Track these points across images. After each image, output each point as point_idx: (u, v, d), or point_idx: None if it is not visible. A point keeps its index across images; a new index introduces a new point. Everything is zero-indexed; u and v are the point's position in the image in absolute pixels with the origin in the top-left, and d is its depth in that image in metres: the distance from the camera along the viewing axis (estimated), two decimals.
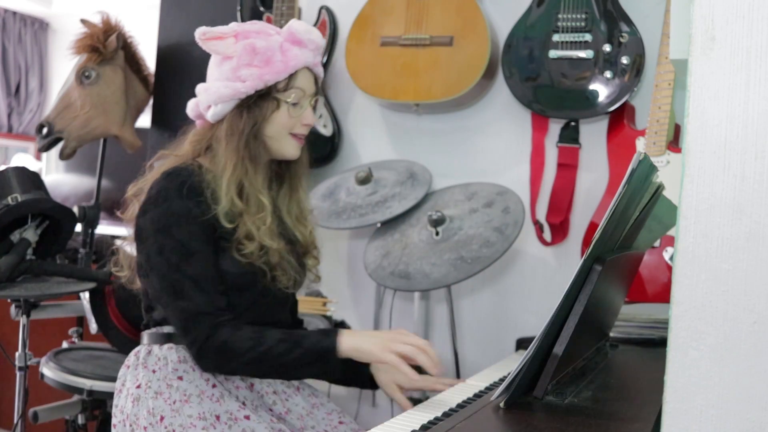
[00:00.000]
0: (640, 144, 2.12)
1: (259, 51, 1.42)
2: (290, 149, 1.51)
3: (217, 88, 1.43)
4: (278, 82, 1.45)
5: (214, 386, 1.40)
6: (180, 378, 1.41)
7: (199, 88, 1.49)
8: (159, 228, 1.38)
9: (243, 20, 2.57)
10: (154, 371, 1.43)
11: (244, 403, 1.41)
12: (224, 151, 1.45)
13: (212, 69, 1.48)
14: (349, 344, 1.34)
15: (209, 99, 1.45)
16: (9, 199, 2.06)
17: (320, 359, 1.34)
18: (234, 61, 1.43)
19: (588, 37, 2.15)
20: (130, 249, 1.51)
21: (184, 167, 1.44)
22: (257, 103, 1.45)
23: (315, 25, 2.57)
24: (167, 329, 1.46)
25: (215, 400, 1.39)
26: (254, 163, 1.47)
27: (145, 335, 1.50)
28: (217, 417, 1.37)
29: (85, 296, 2.26)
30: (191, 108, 1.53)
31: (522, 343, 1.83)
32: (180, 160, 1.48)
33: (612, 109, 2.15)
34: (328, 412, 1.51)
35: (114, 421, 1.46)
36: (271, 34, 1.46)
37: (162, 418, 1.37)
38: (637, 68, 2.11)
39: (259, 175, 1.48)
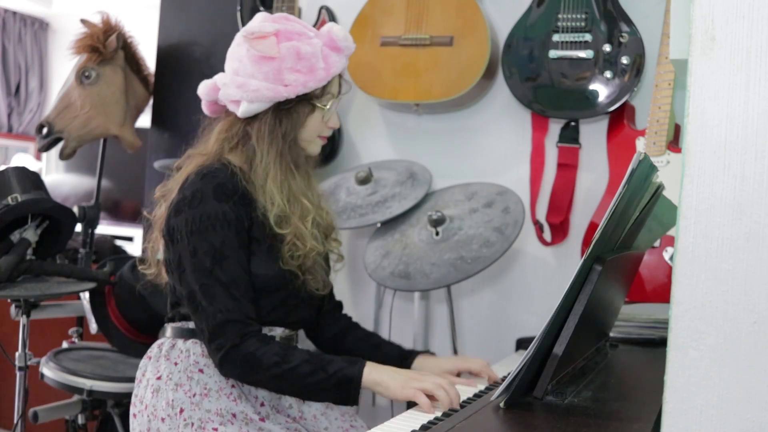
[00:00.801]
0: (640, 144, 2.12)
1: (304, 56, 1.40)
2: (315, 149, 1.54)
3: (257, 87, 1.40)
4: (316, 89, 1.45)
5: (233, 386, 1.41)
6: (201, 371, 1.41)
7: (229, 80, 1.44)
8: (193, 230, 1.38)
9: (243, 20, 2.57)
10: (176, 363, 1.44)
11: (263, 404, 1.42)
12: (266, 155, 1.45)
13: (246, 63, 1.42)
14: (372, 377, 1.32)
15: (245, 95, 1.41)
16: (9, 199, 2.06)
17: (341, 387, 1.32)
18: (276, 63, 1.40)
19: (588, 37, 2.15)
20: (155, 245, 1.51)
21: (220, 168, 1.43)
22: (295, 107, 1.45)
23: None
24: (193, 324, 1.45)
25: (232, 399, 1.40)
26: (297, 167, 1.49)
27: (169, 328, 1.50)
28: (234, 415, 1.38)
29: (85, 296, 2.26)
30: (206, 91, 1.50)
31: (522, 343, 1.84)
32: (208, 158, 1.47)
33: (612, 109, 2.15)
34: (341, 414, 1.51)
35: (134, 410, 1.47)
36: (311, 37, 1.44)
37: (181, 410, 1.38)
38: (637, 68, 2.12)
39: (301, 177, 1.50)
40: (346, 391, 1.32)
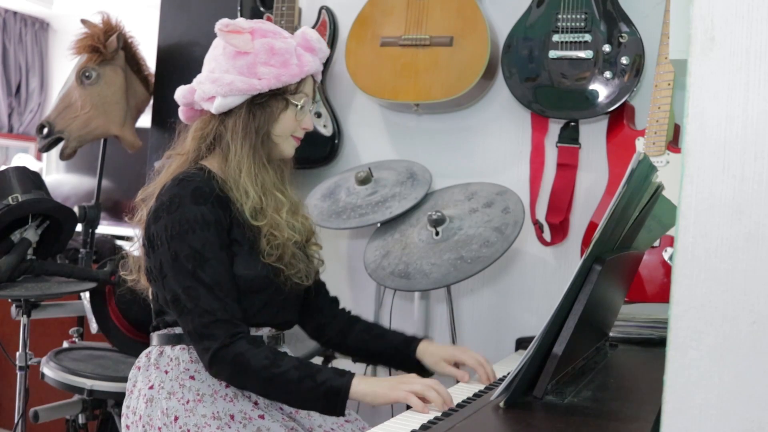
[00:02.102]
0: (640, 144, 2.13)
1: (277, 52, 1.44)
2: (289, 149, 1.55)
3: (231, 80, 1.42)
4: (290, 85, 1.47)
5: (227, 386, 1.41)
6: (192, 378, 1.41)
7: (205, 77, 1.47)
8: (173, 235, 1.38)
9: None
10: (166, 372, 1.43)
11: (256, 403, 1.42)
12: (240, 149, 1.46)
13: (221, 60, 1.45)
14: (360, 388, 1.32)
15: (218, 90, 1.43)
16: (10, 199, 2.07)
17: (328, 397, 1.32)
18: (251, 57, 1.43)
19: (588, 37, 2.15)
20: (138, 252, 1.51)
21: (196, 173, 1.44)
22: (268, 102, 1.47)
23: (315, 25, 2.57)
24: (179, 330, 1.45)
25: (228, 399, 1.39)
26: (269, 161, 1.51)
27: (155, 336, 1.50)
28: (231, 416, 1.37)
29: (86, 296, 2.26)
30: (183, 94, 1.52)
31: (522, 343, 1.84)
32: (185, 158, 1.49)
33: (612, 109, 2.15)
34: None
35: (126, 422, 1.46)
36: (285, 37, 1.48)
37: (176, 418, 1.37)
38: (637, 68, 2.12)
39: (273, 172, 1.52)
40: (333, 402, 1.32)
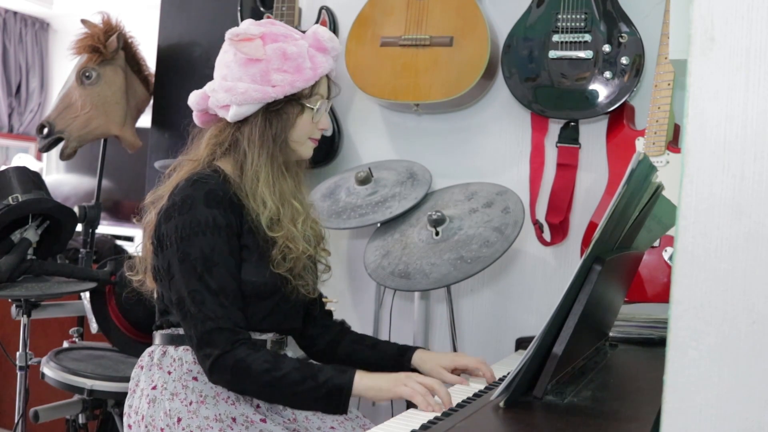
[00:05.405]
0: (640, 144, 2.13)
1: (290, 57, 1.41)
2: (308, 151, 1.54)
3: (245, 89, 1.40)
4: (304, 89, 1.45)
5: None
6: (195, 379, 1.41)
7: (218, 85, 1.44)
8: (183, 236, 1.37)
9: (243, 21, 2.58)
10: (169, 372, 1.43)
11: (258, 406, 1.41)
12: (257, 158, 1.44)
13: (233, 67, 1.43)
14: (363, 383, 1.32)
15: (233, 99, 1.41)
16: (10, 199, 2.07)
17: (331, 396, 1.31)
18: (263, 64, 1.41)
19: (587, 37, 2.15)
20: (144, 253, 1.51)
21: (211, 175, 1.43)
22: (284, 108, 1.45)
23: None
24: (183, 330, 1.45)
25: (231, 402, 1.39)
26: (287, 168, 1.50)
27: (158, 335, 1.50)
28: (234, 419, 1.37)
29: (86, 296, 2.26)
30: (196, 100, 1.50)
31: (522, 343, 1.84)
32: (198, 164, 1.47)
33: (611, 109, 2.15)
34: None
35: (128, 421, 1.46)
36: (297, 39, 1.45)
37: (179, 420, 1.37)
38: (637, 68, 2.12)
39: (291, 180, 1.50)
40: (336, 401, 1.32)
